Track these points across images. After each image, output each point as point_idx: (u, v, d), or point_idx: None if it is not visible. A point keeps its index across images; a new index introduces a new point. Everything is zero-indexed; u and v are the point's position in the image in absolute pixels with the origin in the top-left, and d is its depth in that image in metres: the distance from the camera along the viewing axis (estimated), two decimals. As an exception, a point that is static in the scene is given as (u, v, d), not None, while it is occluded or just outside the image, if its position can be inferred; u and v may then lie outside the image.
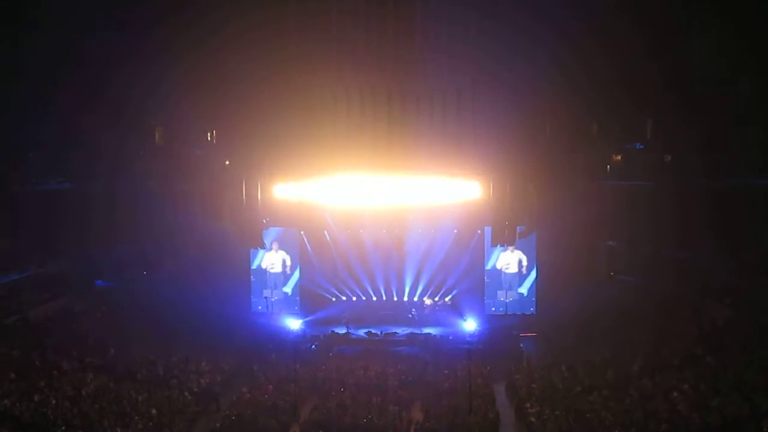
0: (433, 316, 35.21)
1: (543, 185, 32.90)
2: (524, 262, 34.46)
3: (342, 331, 33.17)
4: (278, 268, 35.75)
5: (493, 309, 34.57)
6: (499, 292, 34.80)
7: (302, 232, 35.89)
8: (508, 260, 34.58)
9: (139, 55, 30.13)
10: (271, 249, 35.46)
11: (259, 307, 35.45)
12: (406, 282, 36.07)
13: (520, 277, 34.62)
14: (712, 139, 29.22)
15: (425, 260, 35.61)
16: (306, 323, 33.73)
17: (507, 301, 34.70)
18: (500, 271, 34.65)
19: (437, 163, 30.64)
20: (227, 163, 35.42)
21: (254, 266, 35.72)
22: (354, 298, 36.67)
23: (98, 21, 29.32)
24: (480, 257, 34.66)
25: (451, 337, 31.48)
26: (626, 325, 29.27)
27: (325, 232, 36.03)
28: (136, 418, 23.20)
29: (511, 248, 34.29)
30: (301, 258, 35.90)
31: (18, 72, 28.99)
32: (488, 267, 34.75)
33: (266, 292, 35.57)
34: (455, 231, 34.88)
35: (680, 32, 28.29)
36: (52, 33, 29.08)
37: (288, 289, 35.83)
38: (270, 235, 35.33)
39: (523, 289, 34.66)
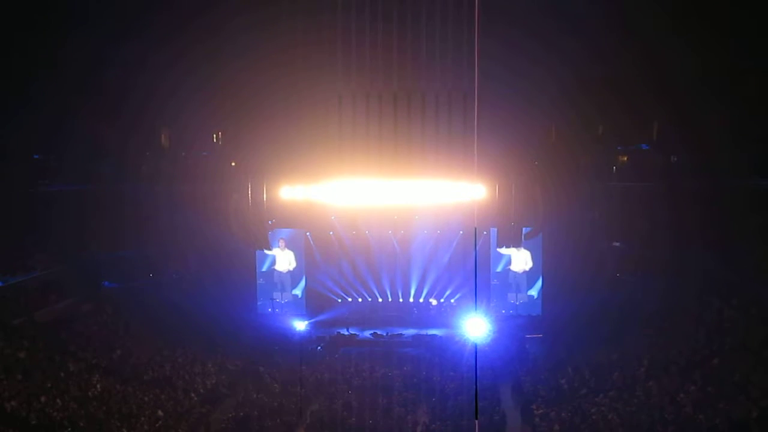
0: (438, 317, 35.18)
1: (549, 186, 32.86)
2: (529, 262, 34.49)
3: (348, 332, 33.19)
4: (285, 267, 35.72)
5: (503, 311, 34.55)
6: (509, 294, 34.82)
7: (308, 233, 35.92)
8: (520, 259, 34.64)
9: (143, 56, 30.16)
10: (278, 246, 35.50)
11: (269, 310, 35.40)
12: (412, 283, 36.06)
13: (530, 278, 34.61)
14: (717, 139, 29.10)
15: (431, 261, 35.63)
16: (312, 324, 33.81)
17: (517, 303, 34.70)
18: (510, 273, 34.69)
19: (443, 167, 30.62)
20: (233, 164, 35.44)
21: (265, 268, 35.73)
22: (360, 300, 36.67)
23: (103, 23, 29.37)
24: (486, 259, 34.65)
25: (456, 339, 31.47)
26: (633, 327, 29.19)
27: (331, 232, 36.05)
28: (143, 419, 23.29)
29: (519, 247, 34.38)
30: (306, 259, 35.93)
31: (23, 74, 29.07)
32: (499, 269, 34.76)
33: (276, 295, 35.57)
34: (461, 232, 34.85)
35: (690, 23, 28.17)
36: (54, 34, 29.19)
37: (298, 291, 35.86)
38: (277, 234, 35.42)
39: (534, 291, 34.65)
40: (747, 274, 28.05)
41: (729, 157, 28.93)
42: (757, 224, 27.66)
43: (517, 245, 34.14)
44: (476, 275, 34.42)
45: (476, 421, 22.99)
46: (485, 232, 34.48)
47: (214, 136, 37.32)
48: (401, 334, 33.27)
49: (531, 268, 34.65)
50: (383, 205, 33.21)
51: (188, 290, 34.18)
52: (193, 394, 26.00)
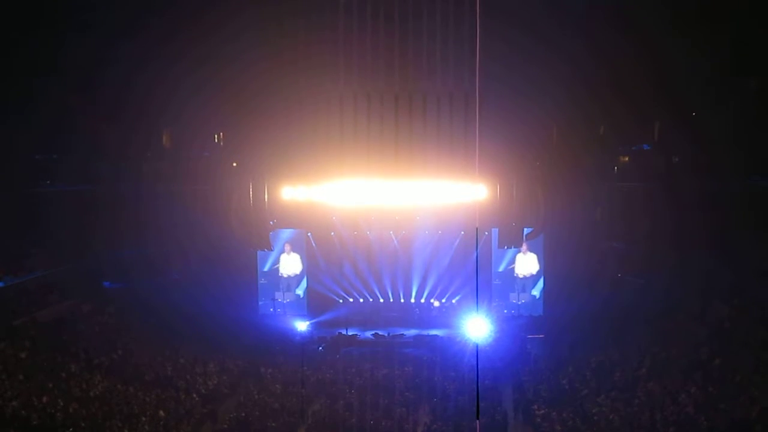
0: (440, 317, 35.17)
1: (550, 186, 32.83)
2: (535, 265, 34.62)
3: (349, 332, 33.19)
4: (292, 270, 35.71)
5: (505, 311, 34.55)
6: (511, 295, 34.83)
7: (309, 234, 35.91)
8: (526, 263, 34.64)
9: (144, 56, 30.14)
10: (283, 251, 35.51)
11: (271, 309, 35.39)
12: (414, 283, 36.03)
13: (534, 279, 34.63)
14: (719, 139, 29.06)
15: (432, 261, 35.60)
16: (313, 325, 33.81)
17: (519, 303, 34.70)
18: (513, 273, 34.70)
19: (444, 167, 30.60)
20: (234, 165, 35.43)
21: (266, 268, 35.73)
22: (361, 300, 36.65)
23: (103, 23, 29.36)
24: (488, 259, 34.63)
25: (458, 339, 31.46)
26: (634, 327, 29.16)
27: (332, 233, 36.04)
28: (144, 419, 23.28)
29: (525, 251, 34.39)
30: (308, 259, 35.93)
31: (24, 74, 29.07)
32: (501, 269, 34.76)
33: (278, 295, 35.56)
34: (462, 232, 34.82)
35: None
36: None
37: (300, 291, 35.86)
38: (282, 236, 35.43)
39: (536, 291, 34.66)
40: (748, 274, 28.02)
41: (730, 158, 28.88)
42: (758, 224, 27.67)
43: (518, 245, 34.16)
44: (478, 275, 34.41)
45: (477, 422, 22.99)
46: (486, 233, 34.48)
47: (215, 136, 37.29)
48: (402, 334, 33.26)
49: (534, 268, 34.73)
50: (384, 206, 33.23)
51: (189, 290, 34.12)
52: (194, 395, 26.00)
